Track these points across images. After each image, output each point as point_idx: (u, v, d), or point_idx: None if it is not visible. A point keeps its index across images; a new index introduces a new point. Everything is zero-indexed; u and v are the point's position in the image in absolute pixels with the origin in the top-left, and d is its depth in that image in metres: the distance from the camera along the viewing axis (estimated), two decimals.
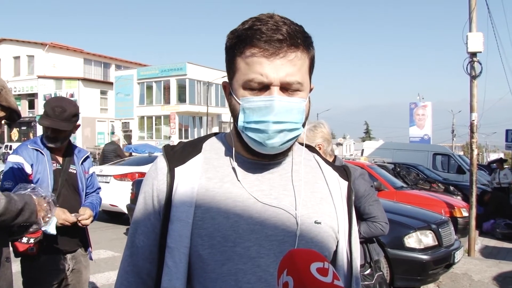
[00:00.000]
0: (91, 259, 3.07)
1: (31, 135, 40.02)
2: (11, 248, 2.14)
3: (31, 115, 41.24)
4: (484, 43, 8.11)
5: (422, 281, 5.41)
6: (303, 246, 1.03)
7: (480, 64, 8.13)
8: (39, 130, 39.56)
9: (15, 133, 42.64)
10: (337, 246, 1.13)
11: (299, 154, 1.15)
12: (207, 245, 1.01)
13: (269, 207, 1.05)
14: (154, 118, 39.20)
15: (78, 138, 36.13)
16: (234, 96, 1.04)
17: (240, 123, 1.02)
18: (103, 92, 42.50)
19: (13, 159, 2.74)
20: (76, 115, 2.82)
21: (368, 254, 3.12)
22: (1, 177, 2.75)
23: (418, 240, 5.31)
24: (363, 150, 21.44)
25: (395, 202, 7.09)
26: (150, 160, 9.63)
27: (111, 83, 41.50)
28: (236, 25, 1.07)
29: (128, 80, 39.48)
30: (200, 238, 1.01)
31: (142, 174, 9.16)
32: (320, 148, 2.79)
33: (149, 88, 39.25)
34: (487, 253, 8.31)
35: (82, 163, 3.00)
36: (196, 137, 1.21)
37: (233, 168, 1.08)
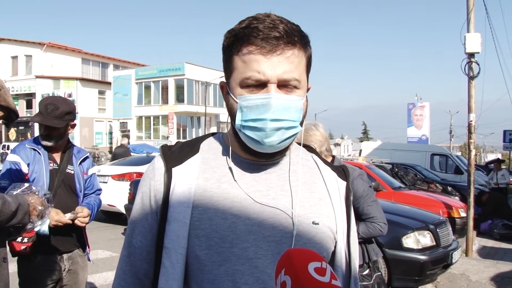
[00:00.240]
0: (89, 260, 3.06)
1: (28, 135, 39.92)
2: (8, 248, 2.13)
3: (29, 115, 41.10)
4: (482, 44, 8.13)
5: (420, 282, 5.41)
6: (300, 246, 1.02)
7: (478, 64, 8.15)
8: (37, 130, 39.40)
9: (12, 133, 42.54)
10: (335, 247, 1.13)
11: (296, 154, 1.15)
12: (205, 245, 1.00)
13: (266, 208, 1.04)
14: (152, 118, 39.16)
15: (76, 138, 36.07)
16: (232, 95, 1.03)
17: (238, 121, 1.01)
18: (101, 92, 42.43)
19: (10, 158, 2.75)
20: (69, 113, 2.80)
21: (367, 254, 3.12)
22: None
23: (416, 241, 5.32)
24: (361, 150, 21.46)
25: (393, 203, 7.09)
26: (148, 160, 9.62)
27: (109, 83, 41.44)
28: (234, 25, 1.07)
29: (126, 80, 39.43)
30: (198, 239, 1.00)
31: (140, 174, 9.15)
32: None
33: (147, 88, 39.21)
34: (485, 253, 8.33)
35: (80, 164, 2.98)
36: (194, 137, 1.21)
37: (230, 169, 1.07)
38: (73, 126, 2.90)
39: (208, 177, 1.06)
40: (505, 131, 19.17)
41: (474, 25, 8.09)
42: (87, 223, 2.89)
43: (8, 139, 40.13)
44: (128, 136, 38.65)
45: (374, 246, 3.21)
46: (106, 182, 9.53)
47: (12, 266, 2.35)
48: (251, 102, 0.99)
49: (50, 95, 39.81)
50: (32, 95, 41.86)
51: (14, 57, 42.92)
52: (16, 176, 2.65)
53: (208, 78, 35.64)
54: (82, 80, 40.99)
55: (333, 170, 1.20)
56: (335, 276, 0.82)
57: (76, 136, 36.28)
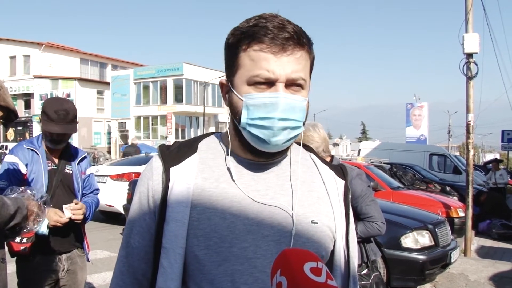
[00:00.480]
0: (88, 260, 3.05)
1: (27, 135, 39.85)
2: (6, 249, 2.13)
3: (27, 115, 41.08)
4: (480, 44, 8.14)
5: (419, 281, 5.41)
6: (300, 246, 1.02)
7: (476, 65, 8.16)
8: (35, 130, 39.46)
9: (11, 133, 42.44)
10: (334, 246, 1.13)
11: (295, 154, 1.15)
12: (203, 245, 1.00)
13: (265, 208, 1.04)
14: (150, 118, 39.12)
15: (74, 138, 36.00)
16: (236, 93, 1.03)
17: (244, 120, 1.01)
18: (99, 92, 42.37)
19: (8, 159, 2.73)
20: (76, 115, 2.83)
21: (365, 254, 3.13)
22: None
23: (415, 240, 5.32)
24: (359, 150, 21.49)
25: (392, 202, 7.10)
26: (147, 160, 9.58)
27: (108, 83, 41.36)
28: (234, 26, 1.07)
29: (125, 80, 39.38)
30: (196, 239, 1.00)
31: (139, 174, 9.09)
32: None
33: (146, 88, 39.17)
34: (483, 253, 8.34)
35: (79, 164, 2.98)
36: (193, 137, 1.20)
37: (229, 168, 1.07)
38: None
39: (206, 176, 1.06)
40: (503, 131, 19.21)
41: (472, 25, 8.11)
42: (85, 222, 2.89)
43: (6, 139, 40.06)
44: (126, 136, 38.74)
45: (372, 245, 3.22)
46: (104, 182, 9.52)
47: (11, 266, 2.35)
48: (258, 101, 0.99)
49: (49, 95, 39.71)
50: (30, 95, 41.78)
51: (12, 57, 42.83)
52: (14, 177, 2.64)
53: (207, 78, 35.62)
54: (81, 80, 40.92)
55: (331, 169, 1.21)
56: (331, 276, 0.82)
57: (74, 136, 36.19)
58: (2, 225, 1.77)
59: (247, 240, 1.01)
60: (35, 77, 40.97)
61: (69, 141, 2.99)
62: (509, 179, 15.91)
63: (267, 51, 0.98)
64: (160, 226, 1.03)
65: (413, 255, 5.23)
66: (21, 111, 40.27)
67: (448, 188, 11.95)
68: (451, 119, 50.05)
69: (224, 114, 40.62)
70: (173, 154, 1.10)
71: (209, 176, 1.06)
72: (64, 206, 2.71)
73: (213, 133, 1.20)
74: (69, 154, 2.94)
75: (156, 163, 1.10)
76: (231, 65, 1.04)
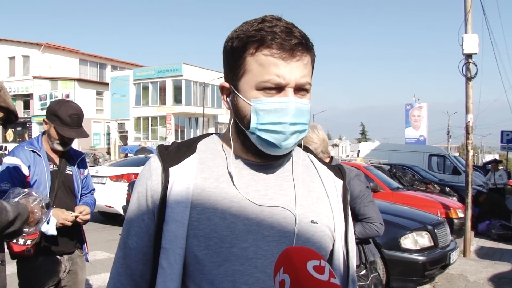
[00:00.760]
0: (87, 260, 3.06)
1: (26, 136, 39.81)
2: (6, 250, 2.12)
3: (26, 115, 41.05)
4: (480, 44, 8.14)
5: (418, 282, 5.41)
6: (300, 245, 1.02)
7: (476, 65, 8.16)
8: (34, 131, 39.42)
9: (10, 134, 42.41)
10: (333, 246, 1.13)
11: (294, 154, 1.15)
12: (203, 246, 1.00)
13: (265, 208, 1.04)
14: (150, 119, 39.13)
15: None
16: (242, 97, 1.03)
17: (253, 124, 1.01)
18: (98, 93, 42.37)
19: (9, 160, 2.69)
20: None
21: (364, 254, 3.13)
22: None
23: (414, 241, 5.33)
24: (359, 151, 21.50)
25: (391, 203, 7.10)
26: (146, 161, 9.61)
27: (107, 84, 41.37)
28: (233, 27, 1.06)
29: (124, 81, 39.39)
30: (196, 239, 1.00)
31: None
32: None
33: (145, 89, 39.18)
34: (483, 254, 8.34)
35: (78, 165, 2.99)
36: (191, 138, 1.20)
37: (230, 173, 1.07)
38: None
39: (206, 176, 1.06)
40: (502, 132, 19.19)
41: (471, 26, 8.12)
42: (86, 222, 2.90)
43: (5, 140, 40.03)
44: (125, 137, 38.73)
45: (371, 246, 3.22)
46: (104, 183, 9.52)
47: (10, 267, 2.35)
48: (269, 106, 0.99)
49: (48, 96, 39.74)
50: (29, 95, 41.76)
51: (12, 58, 42.81)
52: (17, 178, 2.62)
53: (206, 79, 35.64)
54: (80, 81, 40.93)
55: (329, 169, 1.21)
56: (334, 274, 0.82)
57: None
58: (1, 231, 1.77)
59: (247, 240, 1.01)
60: (34, 77, 40.95)
61: None
62: (508, 179, 15.92)
63: (277, 56, 0.98)
64: (160, 226, 1.02)
65: (412, 256, 5.23)
66: (20, 112, 40.23)
67: (447, 189, 11.96)
68: (451, 120, 50.15)
69: (223, 115, 40.63)
70: (172, 154, 1.09)
71: (209, 176, 1.06)
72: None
73: (211, 134, 1.20)
74: (68, 155, 2.94)
75: (155, 163, 1.09)
76: (236, 69, 1.04)
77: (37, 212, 2.04)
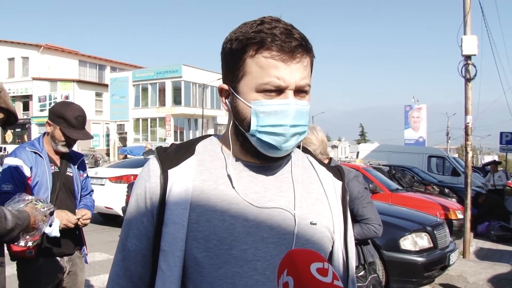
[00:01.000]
0: (86, 262, 3.06)
1: (25, 137, 39.79)
2: (6, 252, 2.12)
3: (25, 117, 41.02)
4: (479, 46, 8.15)
5: (418, 283, 5.41)
6: (299, 247, 1.02)
7: (475, 66, 8.16)
8: (34, 132, 39.37)
9: (9, 135, 42.39)
10: (332, 247, 1.13)
11: (293, 156, 1.15)
12: (203, 248, 0.99)
13: (264, 209, 1.04)
14: (149, 120, 39.12)
15: None
16: (242, 99, 1.02)
17: (253, 127, 1.00)
18: (98, 94, 42.37)
19: (11, 161, 2.68)
20: None
21: (362, 255, 3.13)
22: None
23: (414, 242, 5.33)
24: (358, 152, 21.51)
25: (391, 205, 7.10)
26: (145, 162, 9.61)
27: (106, 85, 41.37)
28: (233, 28, 1.06)
29: (123, 82, 39.38)
30: (196, 241, 1.00)
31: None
32: None
33: (145, 90, 39.17)
34: (482, 255, 8.34)
35: (77, 166, 2.99)
36: (189, 139, 1.20)
37: (229, 175, 1.07)
38: None
39: (205, 178, 1.06)
40: (501, 133, 19.20)
41: (470, 27, 8.12)
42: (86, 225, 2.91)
43: (4, 141, 40.00)
44: (125, 139, 38.70)
45: (370, 247, 3.22)
46: (103, 185, 9.51)
47: (9, 269, 2.35)
48: (269, 108, 0.99)
49: (47, 97, 39.74)
50: (28, 97, 41.74)
51: (11, 59, 42.80)
52: (18, 180, 2.62)
53: (206, 80, 35.64)
54: (79, 82, 40.93)
55: (328, 170, 1.21)
56: (337, 276, 0.82)
57: None
58: None
59: (246, 242, 1.01)
60: (34, 79, 40.94)
61: None
62: (508, 181, 15.93)
63: (278, 58, 0.98)
64: (158, 228, 1.02)
65: (412, 257, 5.23)
66: (19, 113, 40.18)
67: (446, 190, 11.97)
68: (450, 121, 50.13)
69: (222, 117, 40.63)
70: (171, 156, 1.09)
71: (208, 178, 1.06)
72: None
73: (210, 136, 1.20)
74: (69, 156, 2.94)
75: (154, 165, 1.08)
76: (235, 71, 1.03)
77: (39, 221, 2.05)
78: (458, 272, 6.53)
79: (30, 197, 2.17)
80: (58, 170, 2.83)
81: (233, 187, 1.05)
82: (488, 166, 17.18)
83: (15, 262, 2.74)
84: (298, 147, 1.16)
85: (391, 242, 5.23)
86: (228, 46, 1.04)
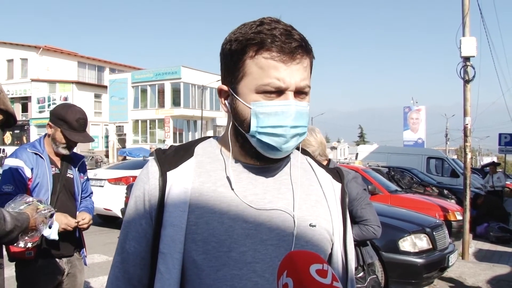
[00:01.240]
0: (85, 264, 3.05)
1: (24, 138, 39.75)
2: (5, 253, 2.12)
3: (24, 118, 40.99)
4: (477, 47, 8.16)
5: (417, 285, 5.41)
6: (298, 249, 1.02)
7: (473, 68, 8.17)
8: (32, 134, 39.32)
9: (8, 137, 42.36)
10: (332, 249, 1.13)
11: (293, 157, 1.15)
12: (202, 250, 0.99)
13: (263, 211, 1.04)
14: (148, 121, 39.12)
15: None
16: (242, 100, 1.02)
17: (253, 128, 1.00)
18: (97, 96, 42.36)
19: (12, 162, 2.68)
20: None
21: (361, 257, 3.13)
22: None
23: (413, 244, 5.33)
24: (357, 154, 21.52)
25: (390, 206, 7.10)
26: (144, 164, 9.60)
27: (105, 87, 41.37)
28: (232, 29, 1.05)
29: (123, 84, 39.38)
30: (194, 243, 0.99)
31: None
32: None
33: (144, 91, 39.17)
34: (481, 256, 8.34)
35: (78, 168, 2.99)
36: (188, 141, 1.20)
37: (227, 172, 1.07)
38: None
39: (204, 180, 1.05)
40: (500, 134, 19.23)
41: (469, 29, 8.13)
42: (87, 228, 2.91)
43: (3, 143, 39.94)
44: (124, 140, 38.68)
45: (369, 249, 3.22)
46: (102, 186, 9.51)
47: (8, 270, 2.34)
48: (269, 109, 0.99)
49: (46, 99, 39.70)
50: (27, 98, 41.72)
51: (10, 61, 42.79)
52: (19, 180, 2.62)
53: (205, 82, 35.65)
54: (78, 83, 40.92)
55: (327, 172, 1.21)
56: (337, 278, 0.82)
57: None
58: None
59: (245, 244, 1.00)
60: (33, 80, 40.91)
61: None
62: (507, 182, 15.94)
63: (278, 59, 0.98)
64: (157, 231, 1.02)
65: (411, 258, 5.23)
66: (18, 115, 40.11)
67: (445, 191, 11.98)
68: (449, 123, 50.19)
69: (222, 118, 40.63)
70: (170, 158, 1.09)
71: (207, 180, 1.06)
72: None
73: (209, 137, 1.20)
74: (69, 158, 2.94)
75: (153, 167, 1.08)
76: (235, 72, 1.03)
77: (39, 223, 2.05)
78: (457, 274, 6.54)
79: (31, 198, 2.17)
80: (58, 171, 2.83)
81: (232, 189, 1.04)
82: (487, 168, 17.16)
83: (14, 263, 2.74)
84: (298, 148, 1.16)
85: (390, 244, 5.23)
86: (228, 47, 1.03)
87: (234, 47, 1.02)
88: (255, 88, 1.00)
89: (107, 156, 37.81)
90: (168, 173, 1.05)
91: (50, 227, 2.48)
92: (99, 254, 7.22)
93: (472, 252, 8.49)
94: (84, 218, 2.83)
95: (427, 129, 42.82)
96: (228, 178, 1.06)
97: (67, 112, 2.76)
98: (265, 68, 0.98)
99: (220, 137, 1.17)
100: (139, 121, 39.42)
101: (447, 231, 6.01)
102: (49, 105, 38.89)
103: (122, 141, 39.35)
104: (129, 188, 8.39)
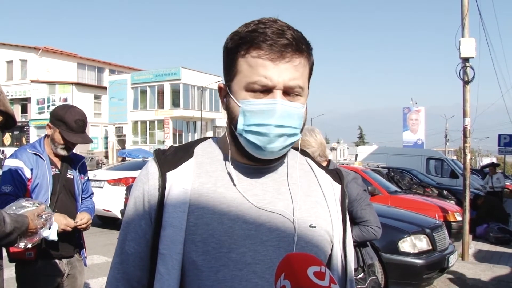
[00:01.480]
0: (85, 265, 3.05)
1: (23, 139, 39.73)
2: (5, 254, 2.12)
3: (23, 119, 40.97)
4: (477, 48, 8.17)
5: (417, 286, 5.41)
6: (298, 250, 1.02)
7: (473, 69, 8.18)
8: (32, 135, 39.31)
9: (7, 138, 42.33)
10: (331, 250, 1.13)
11: (292, 158, 1.15)
12: (201, 251, 0.99)
13: (264, 212, 1.04)
14: (148, 122, 39.10)
15: None
16: (233, 98, 1.02)
17: (240, 126, 1.00)
18: (96, 97, 42.34)
19: (12, 163, 2.68)
20: None
21: (361, 258, 3.13)
22: None
23: (412, 245, 5.33)
24: (357, 154, 21.51)
25: (389, 207, 7.10)
26: (144, 164, 9.60)
27: (105, 88, 41.36)
28: (232, 30, 1.06)
29: (122, 85, 39.38)
30: (194, 244, 0.99)
31: None
32: None
33: (143, 92, 39.17)
34: (481, 257, 8.33)
35: (78, 169, 2.99)
36: (188, 142, 1.20)
37: (228, 173, 1.07)
38: None
39: (203, 181, 1.05)
40: (499, 135, 19.25)
41: (468, 30, 8.14)
42: (87, 228, 2.91)
43: (3, 144, 39.91)
44: (123, 141, 38.66)
45: (369, 249, 3.21)
46: (102, 187, 9.49)
47: (7, 271, 2.34)
48: (255, 107, 0.99)
49: (46, 100, 39.68)
50: (27, 99, 41.72)
51: (9, 62, 42.79)
52: (19, 181, 2.62)
53: (204, 83, 35.66)
54: (78, 84, 40.91)
55: (327, 174, 1.21)
56: (334, 280, 0.82)
57: None
58: None
59: (245, 245, 1.00)
60: (32, 81, 40.91)
61: None
62: (506, 183, 15.94)
63: (266, 57, 0.97)
64: (157, 231, 1.01)
65: (411, 259, 5.23)
66: (18, 116, 40.09)
67: (445, 192, 11.97)
68: (448, 123, 50.24)
69: (221, 119, 40.63)
70: (169, 159, 1.08)
71: (207, 181, 1.05)
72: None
73: (208, 138, 1.19)
74: (70, 159, 2.94)
75: (152, 168, 1.08)
76: (230, 70, 1.04)
77: (39, 225, 2.05)
78: (457, 274, 6.54)
79: (33, 201, 2.17)
80: (58, 172, 2.83)
81: (235, 185, 1.04)
82: (487, 168, 17.16)
83: (14, 264, 2.74)
84: (297, 149, 1.16)
85: (390, 244, 5.23)
86: (225, 46, 1.05)
87: (229, 46, 1.03)
88: (244, 86, 1.00)
89: (106, 157, 37.78)
90: (167, 173, 1.05)
91: (49, 228, 2.48)
92: (99, 255, 7.21)
93: (472, 253, 8.49)
94: (82, 218, 2.82)
95: (426, 130, 42.85)
96: (228, 178, 1.06)
97: (66, 113, 2.76)
98: (254, 66, 0.98)
99: (220, 137, 1.17)
100: (139, 122, 39.42)
101: (446, 232, 6.01)
102: (48, 106, 38.90)
103: (121, 142, 39.33)
104: (129, 189, 8.38)
